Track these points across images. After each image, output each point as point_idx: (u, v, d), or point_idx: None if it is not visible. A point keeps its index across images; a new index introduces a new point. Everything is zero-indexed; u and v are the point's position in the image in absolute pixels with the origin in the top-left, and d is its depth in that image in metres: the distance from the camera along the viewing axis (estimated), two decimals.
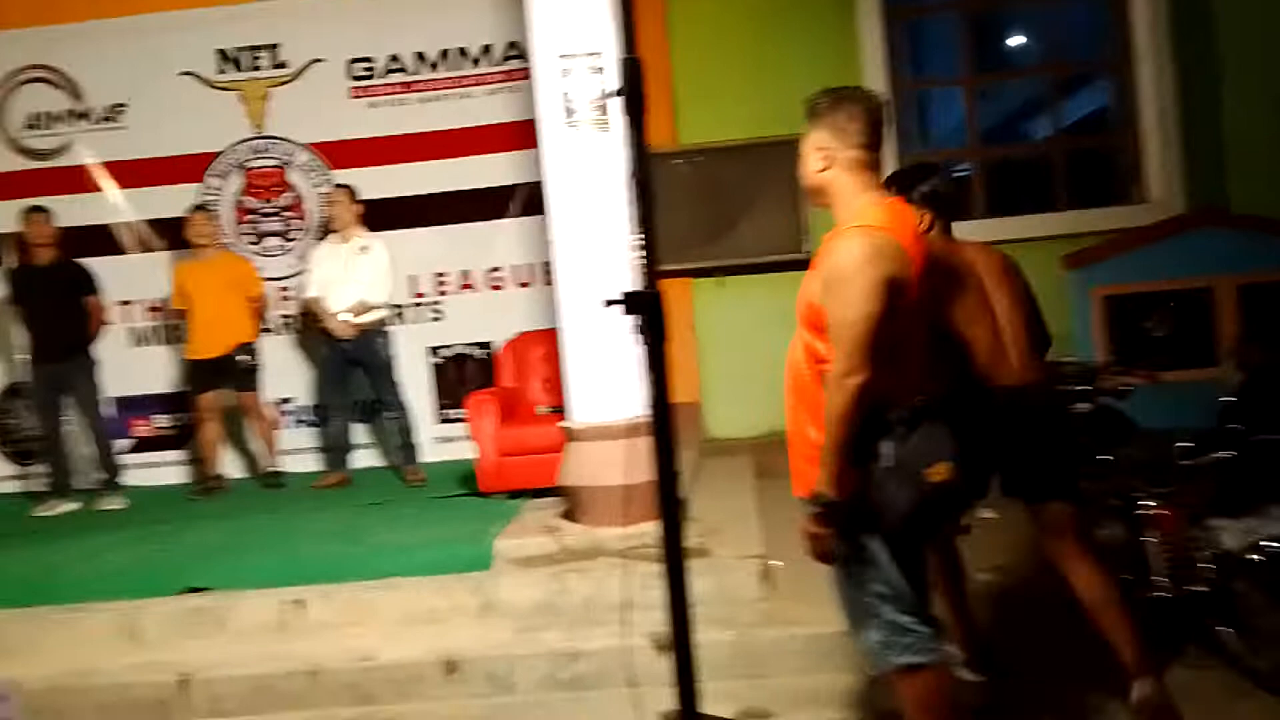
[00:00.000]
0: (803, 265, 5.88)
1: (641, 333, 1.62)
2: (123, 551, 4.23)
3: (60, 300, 5.48)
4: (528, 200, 6.14)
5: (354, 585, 3.68)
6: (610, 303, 1.70)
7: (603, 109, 3.82)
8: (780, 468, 5.80)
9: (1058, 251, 5.56)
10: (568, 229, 3.90)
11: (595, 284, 3.85)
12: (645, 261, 1.62)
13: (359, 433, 6.07)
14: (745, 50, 6.07)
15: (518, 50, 6.09)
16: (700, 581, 3.52)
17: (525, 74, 6.06)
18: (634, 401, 3.90)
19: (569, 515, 4.06)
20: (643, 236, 1.61)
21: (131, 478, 5.93)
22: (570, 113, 3.82)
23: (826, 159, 2.12)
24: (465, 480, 5.21)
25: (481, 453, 4.68)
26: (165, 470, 6.31)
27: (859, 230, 2.04)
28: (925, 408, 2.09)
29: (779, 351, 6.15)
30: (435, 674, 3.26)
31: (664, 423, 1.62)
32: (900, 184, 2.65)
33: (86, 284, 5.57)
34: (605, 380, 3.88)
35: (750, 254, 6.04)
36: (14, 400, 6.37)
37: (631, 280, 2.01)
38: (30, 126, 6.34)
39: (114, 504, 5.54)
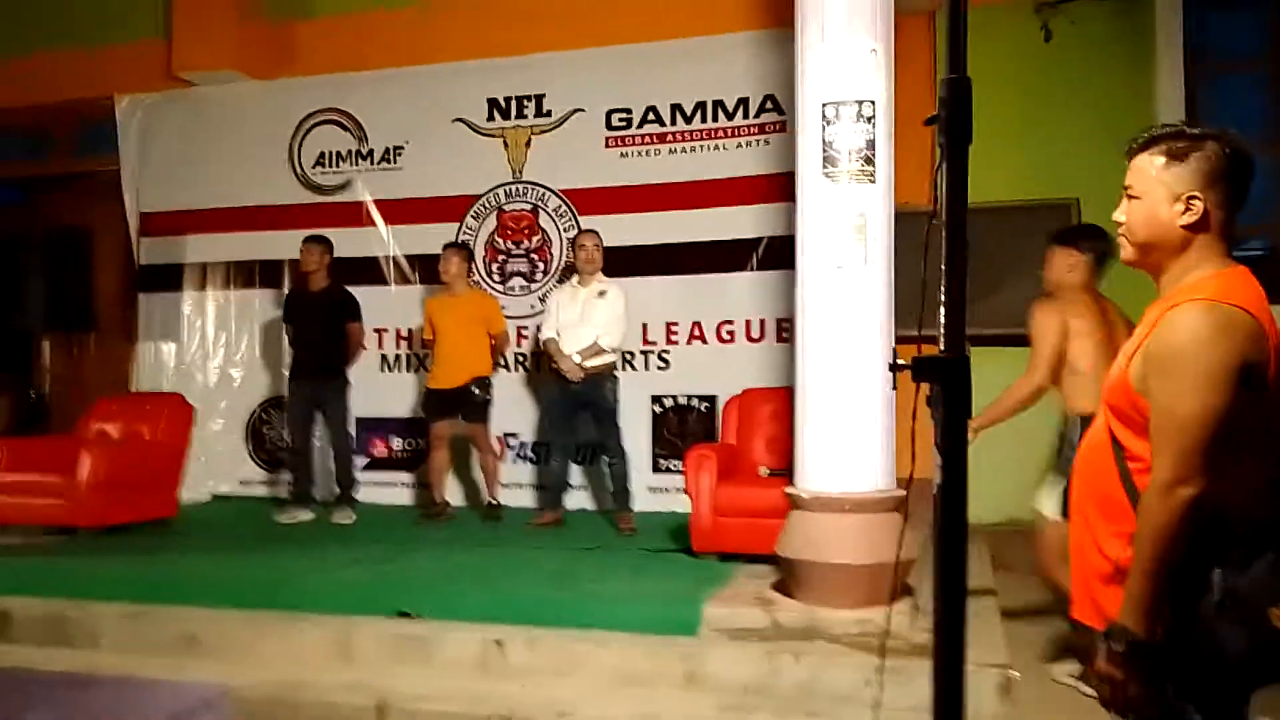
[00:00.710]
0: None
1: (937, 403, 1.31)
2: (348, 567, 4.35)
3: (324, 323, 5.86)
4: (766, 254, 5.99)
5: (558, 632, 3.55)
6: (897, 367, 1.40)
7: (867, 159, 3.58)
8: (1018, 561, 5.24)
9: None
10: (818, 284, 3.66)
11: (842, 344, 3.59)
12: (950, 320, 1.31)
13: (576, 474, 6.06)
14: (1012, 107, 5.64)
15: (773, 104, 5.99)
16: (928, 687, 3.13)
17: (777, 127, 6.00)
18: (872, 474, 3.61)
19: (784, 588, 3.77)
20: (950, 290, 1.30)
21: (363, 495, 6.20)
22: (831, 162, 3.61)
23: (1194, 210, 1.70)
24: (676, 535, 5.02)
25: (696, 510, 4.48)
26: (395, 490, 6.57)
27: (1204, 303, 1.62)
28: (1273, 527, 1.65)
29: (1021, 432, 5.56)
30: None
31: (957, 511, 1.31)
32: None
33: (351, 310, 5.94)
34: (842, 448, 3.58)
35: (1004, 324, 5.52)
36: (273, 412, 6.89)
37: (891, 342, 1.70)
38: (318, 164, 6.91)
39: (345, 518, 5.79)
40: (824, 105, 3.65)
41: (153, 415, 5.82)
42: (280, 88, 6.93)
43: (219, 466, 6.83)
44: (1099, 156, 5.25)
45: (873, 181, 3.61)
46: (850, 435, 3.56)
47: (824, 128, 3.64)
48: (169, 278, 7.08)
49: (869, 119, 3.61)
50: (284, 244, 6.84)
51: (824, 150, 3.64)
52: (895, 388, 1.50)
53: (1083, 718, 2.90)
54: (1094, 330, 3.56)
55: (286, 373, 6.73)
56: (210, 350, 7.05)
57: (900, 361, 1.45)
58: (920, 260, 1.39)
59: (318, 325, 5.86)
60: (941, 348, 1.32)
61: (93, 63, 7.05)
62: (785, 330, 5.92)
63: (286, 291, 6.39)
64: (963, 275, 1.33)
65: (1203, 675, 1.63)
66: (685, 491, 4.60)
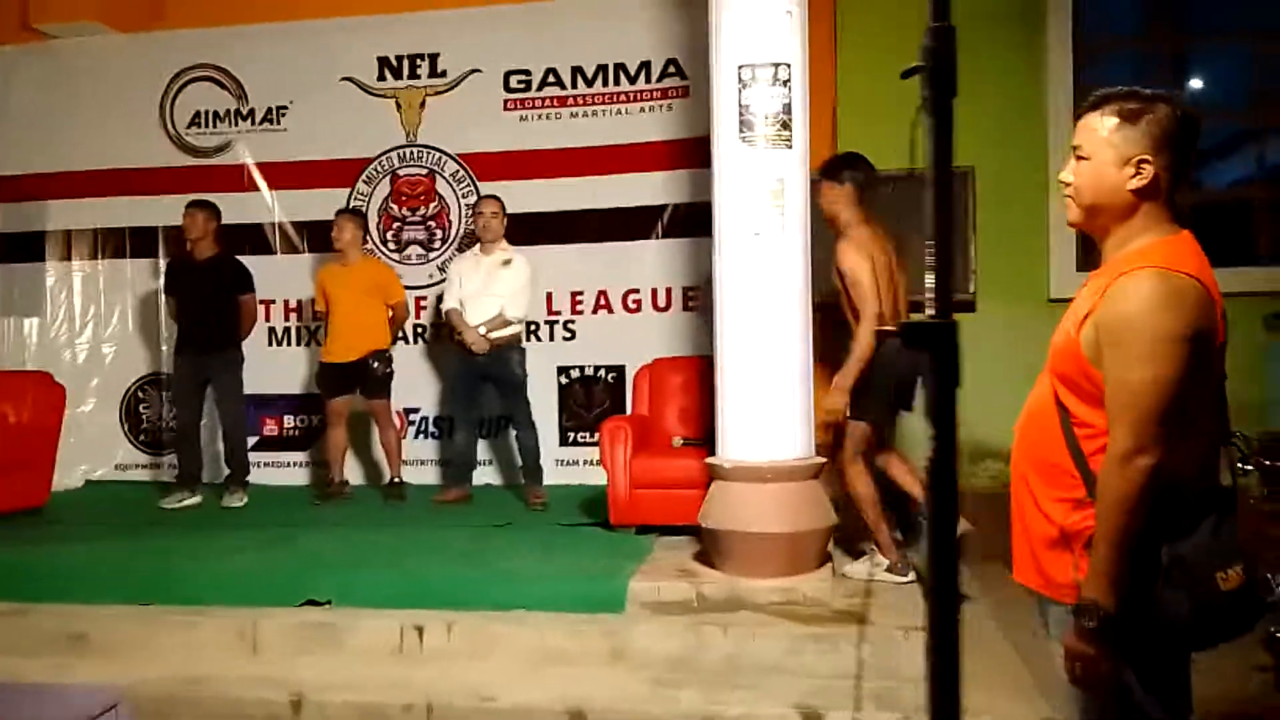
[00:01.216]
0: (967, 306, 5.53)
1: (926, 370, 1.25)
2: (245, 555, 4.12)
3: (214, 295, 5.49)
4: (671, 221, 5.94)
5: (476, 614, 3.44)
6: (886, 334, 1.33)
7: (784, 124, 3.53)
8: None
9: (1258, 311, 4.97)
10: (735, 251, 3.61)
11: (761, 311, 3.56)
12: (940, 286, 1.25)
13: (482, 449, 5.91)
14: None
15: (675, 68, 5.91)
16: (855, 653, 3.17)
17: (680, 92, 5.92)
18: (792, 442, 3.61)
19: (706, 559, 3.75)
20: (938, 253, 1.24)
21: (253, 476, 5.89)
22: (747, 126, 3.55)
23: (1145, 173, 1.67)
24: (588, 508, 4.97)
25: (613, 483, 4.41)
26: (287, 471, 6.29)
27: (1155, 271, 1.61)
28: (1216, 493, 1.67)
29: (1001, 389, 5.66)
30: None
31: (947, 479, 1.25)
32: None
33: (242, 281, 5.59)
34: (762, 417, 3.56)
35: (910, 293, 5.63)
36: (150, 390, 6.47)
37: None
38: (194, 124, 6.46)
39: (236, 501, 5.49)
40: (739, 68, 3.58)
41: (17, 395, 5.36)
42: (149, 41, 6.43)
43: (92, 450, 6.38)
44: (993, 125, 5.41)
45: (790, 146, 3.58)
46: (770, 404, 3.54)
47: (740, 91, 3.58)
48: (29, 247, 6.53)
49: (785, 82, 3.57)
50: (157, 209, 6.40)
51: (740, 114, 3.58)
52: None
53: (1023, 684, 2.97)
54: (880, 259, 3.76)
55: (167, 348, 6.34)
56: (78, 325, 6.56)
57: (888, 328, 1.39)
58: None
59: (206, 296, 5.48)
60: (931, 312, 1.26)
61: None
62: (692, 299, 5.90)
63: (166, 261, 5.95)
64: (949, 237, 1.26)
65: (1146, 641, 1.64)
66: (600, 464, 4.53)
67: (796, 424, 3.57)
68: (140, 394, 6.50)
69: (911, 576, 3.71)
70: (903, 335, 1.28)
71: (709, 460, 3.73)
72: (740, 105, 3.57)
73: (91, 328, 6.53)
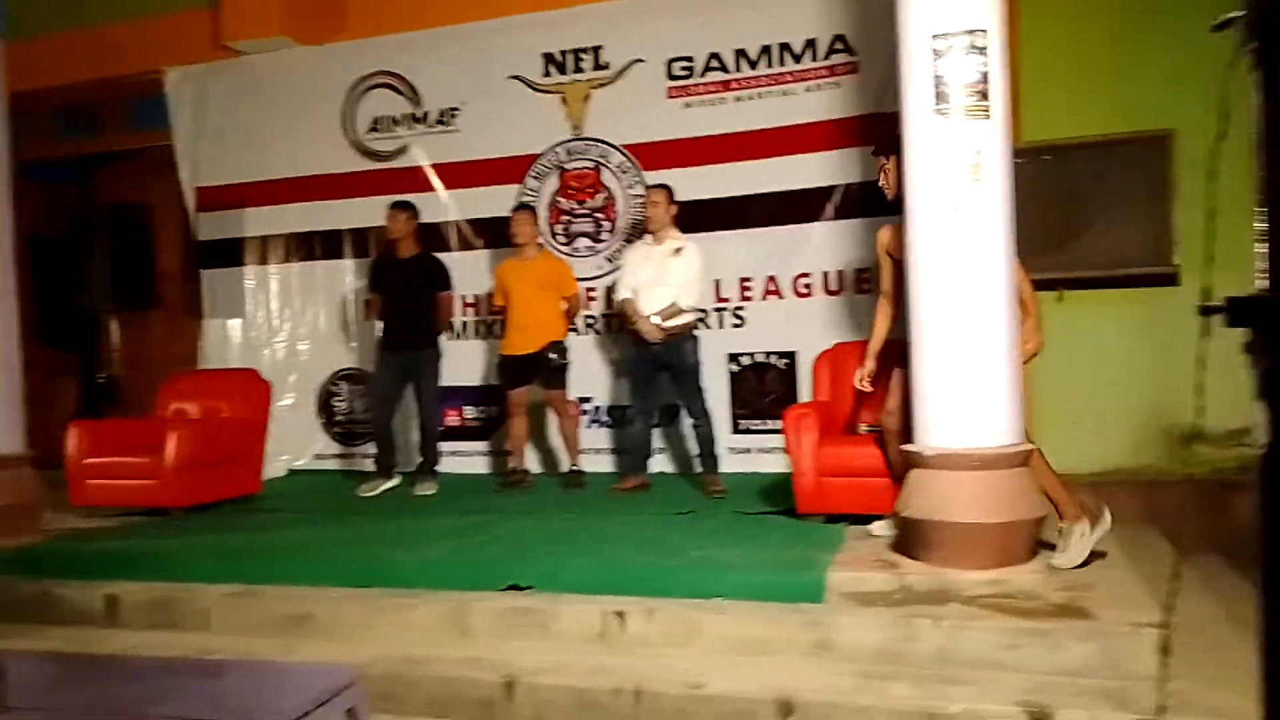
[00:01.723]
0: (1169, 280, 5.16)
1: (1255, 350, 1.14)
2: (448, 542, 4.27)
3: (415, 292, 5.71)
4: (843, 203, 5.79)
5: (676, 602, 3.44)
6: (1208, 310, 1.21)
7: (982, 94, 3.37)
8: (1129, 512, 5.07)
9: None
10: (931, 229, 3.47)
11: (961, 291, 3.42)
12: (1275, 255, 1.13)
13: (657, 437, 5.94)
14: (1105, 33, 5.36)
15: (842, 44, 5.75)
16: (1080, 648, 3.00)
17: (849, 69, 5.76)
18: (998, 428, 3.46)
19: (906, 550, 3.64)
20: (1273, 220, 1.12)
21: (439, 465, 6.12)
22: (942, 98, 3.41)
23: None
24: (769, 496, 4.92)
25: (799, 471, 4.34)
26: (470, 460, 6.52)
27: None
28: None
29: (1123, 377, 5.32)
30: (769, 713, 2.93)
31: (1277, 466, 1.15)
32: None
33: (441, 278, 5.80)
34: (966, 402, 3.42)
35: (1104, 266, 5.32)
36: (342, 384, 6.83)
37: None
38: (373, 129, 6.75)
39: (427, 489, 5.73)
40: (933, 37, 3.44)
41: (228, 392, 5.78)
42: (330, 52, 6.77)
43: (292, 441, 6.79)
44: (1196, 86, 5.00)
45: (988, 117, 3.41)
46: (974, 388, 3.40)
47: (934, 61, 3.43)
48: (229, 252, 7.01)
49: (981, 49, 3.40)
50: (342, 213, 6.76)
51: (935, 86, 3.43)
52: (1208, 335, 1.31)
53: (1240, 671, 2.75)
54: None
55: (356, 344, 6.67)
56: (276, 324, 6.99)
57: (1212, 304, 1.28)
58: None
59: (409, 293, 5.72)
60: (1267, 285, 1.15)
61: (141, 36, 6.93)
62: (865, 282, 5.74)
63: (374, 260, 6.23)
64: None
65: None
66: (782, 451, 4.47)
67: (1003, 408, 3.41)
68: (333, 388, 6.87)
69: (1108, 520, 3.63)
70: (1227, 311, 1.17)
71: (907, 448, 3.62)
72: (935, 76, 3.42)
73: (288, 327, 6.94)
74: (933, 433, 3.50)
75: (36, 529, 4.84)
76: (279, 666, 2.89)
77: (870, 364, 4.20)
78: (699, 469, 5.50)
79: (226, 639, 3.68)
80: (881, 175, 4.01)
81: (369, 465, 6.13)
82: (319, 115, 6.78)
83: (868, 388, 4.26)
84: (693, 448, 5.64)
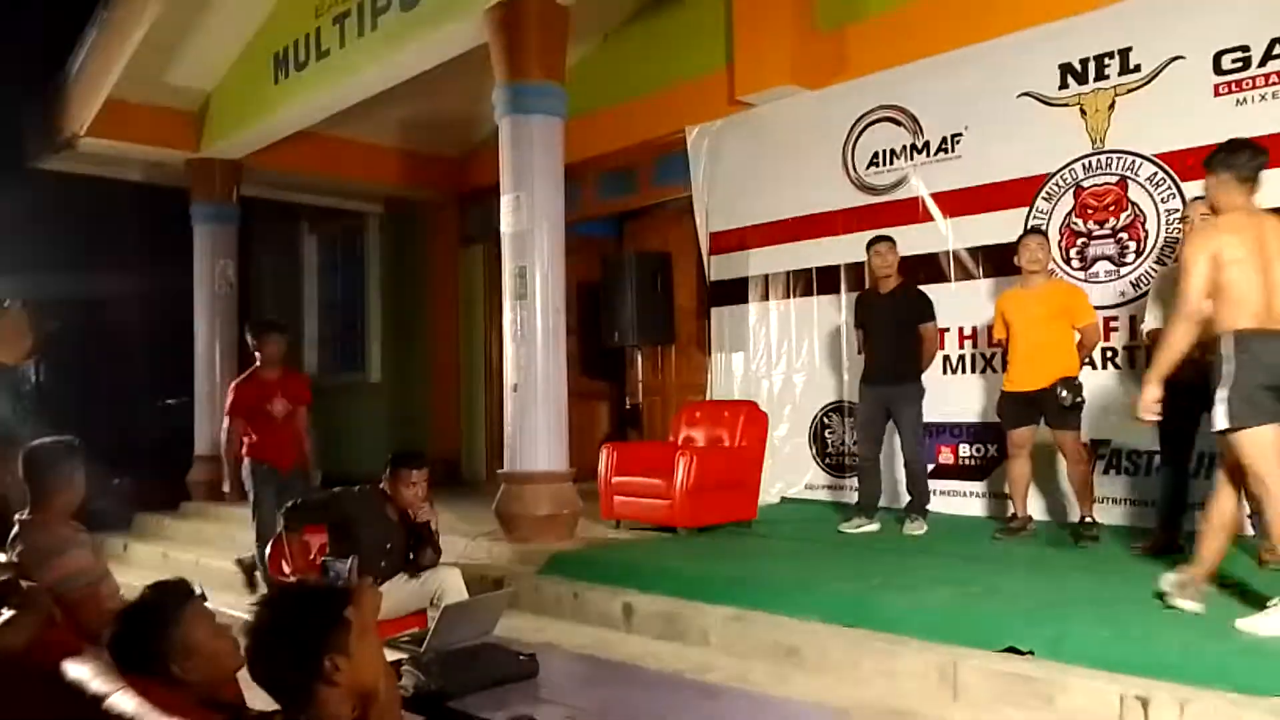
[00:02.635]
0: None
1: None
2: (939, 589, 4.05)
3: (898, 327, 5.64)
4: None
5: (1216, 694, 2.86)
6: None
7: None
8: None
9: None
10: None
11: None
12: None
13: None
14: None
15: None
16: None
17: None
18: None
19: None
20: None
21: (931, 504, 5.86)
22: None
23: None
24: None
25: None
26: (963, 500, 6.17)
27: None
28: None
29: None
30: None
31: None
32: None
33: (925, 311, 5.66)
34: None
35: None
36: (834, 416, 6.89)
37: None
38: (872, 164, 6.76)
39: (916, 529, 5.52)
40: None
41: (731, 422, 6.14)
42: (832, 94, 6.92)
43: (786, 470, 7.03)
44: None
45: None
46: None
47: None
48: (736, 291, 7.48)
49: None
50: (839, 249, 6.85)
51: None
52: None
53: None
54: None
55: (849, 377, 6.70)
56: (774, 357, 7.30)
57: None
58: None
59: (889, 329, 5.66)
60: None
61: (668, 102, 7.75)
62: None
63: (859, 294, 6.29)
64: None
65: None
66: None
67: None
68: (825, 420, 6.98)
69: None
70: None
71: None
72: None
73: (785, 360, 7.22)
74: None
75: (573, 536, 5.57)
76: (772, 700, 2.94)
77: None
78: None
79: (723, 658, 3.86)
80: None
81: (855, 497, 6.10)
82: (820, 156, 6.96)
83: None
84: (1244, 506, 4.71)
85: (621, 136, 8.01)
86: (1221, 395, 3.45)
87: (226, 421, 5.68)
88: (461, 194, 9.86)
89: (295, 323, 10.95)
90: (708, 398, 7.43)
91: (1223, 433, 3.48)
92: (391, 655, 2.88)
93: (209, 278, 8.86)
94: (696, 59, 7.57)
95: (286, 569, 3.80)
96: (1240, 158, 3.59)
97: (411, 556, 4.00)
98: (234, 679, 1.96)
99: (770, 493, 6.89)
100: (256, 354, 5.66)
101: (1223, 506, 3.60)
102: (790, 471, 7.06)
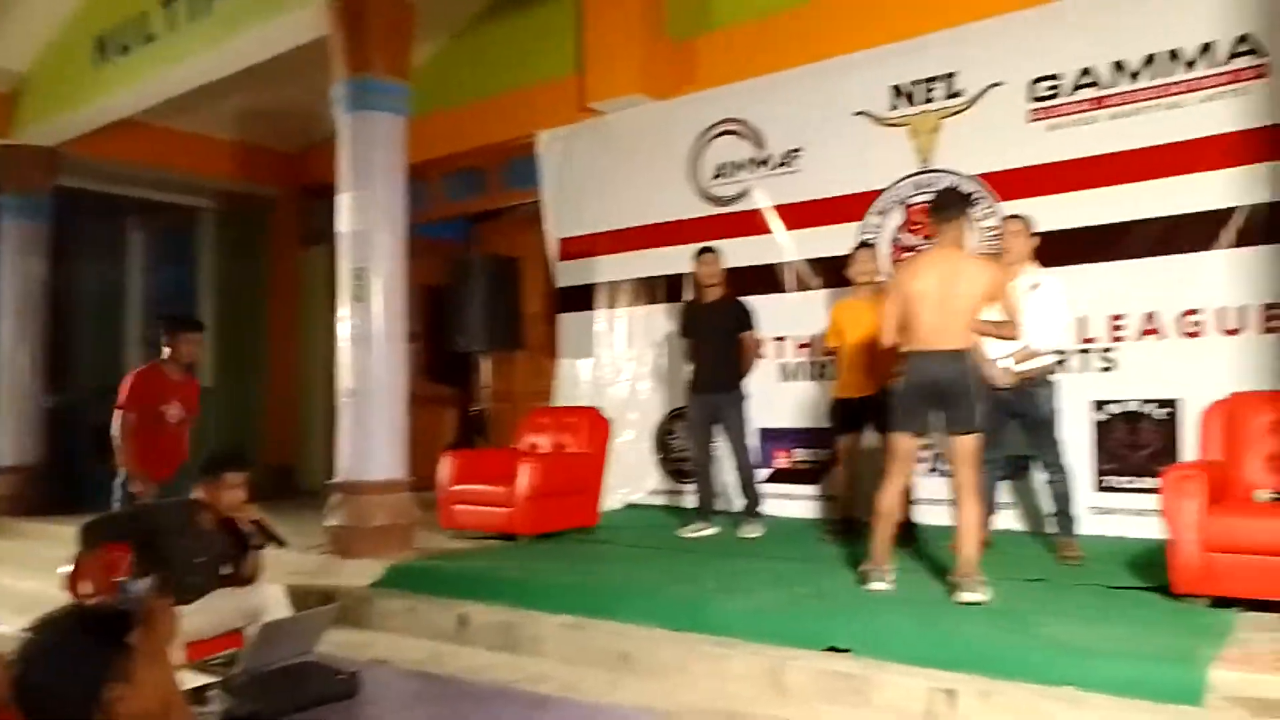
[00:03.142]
0: None
1: None
2: (770, 591, 4.16)
3: (720, 335, 5.76)
4: (1246, 227, 4.93)
5: (1016, 685, 3.03)
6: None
7: None
8: None
9: None
10: None
11: None
12: None
13: (1003, 491, 5.39)
14: None
15: (1249, 44, 4.93)
16: None
17: (1256, 73, 4.91)
18: None
19: None
20: None
21: (767, 507, 6.02)
22: None
23: None
24: (1136, 568, 4.26)
25: (1178, 542, 3.69)
26: (797, 504, 6.37)
27: None
28: None
29: None
30: None
31: None
32: None
33: (745, 320, 5.80)
34: None
35: None
36: (677, 423, 6.99)
37: None
38: (717, 176, 6.91)
39: (752, 532, 5.66)
40: None
41: (575, 428, 6.14)
42: (680, 105, 7.04)
43: (630, 476, 7.07)
44: None
45: None
46: None
47: None
48: (583, 297, 7.50)
49: None
50: (683, 259, 6.92)
51: None
52: None
53: None
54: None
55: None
56: (620, 364, 7.35)
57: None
58: None
59: (712, 337, 5.78)
60: None
61: (518, 104, 7.69)
62: (1275, 319, 4.83)
63: (684, 304, 6.39)
64: None
65: None
66: (1162, 517, 3.83)
67: None
68: (669, 426, 7.07)
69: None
70: None
71: None
72: None
73: (631, 367, 7.28)
74: None
75: (410, 547, 5.42)
76: (601, 707, 2.94)
77: None
78: (1052, 529, 4.90)
79: (558, 667, 3.83)
80: None
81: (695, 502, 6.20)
82: (667, 166, 7.07)
83: None
84: (1046, 505, 5.05)
85: (471, 137, 7.90)
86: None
87: (119, 416, 4.94)
88: (303, 192, 9.49)
89: (117, 322, 10.25)
90: (554, 404, 7.41)
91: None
92: (201, 679, 2.73)
93: (17, 275, 8.19)
94: (548, 63, 7.54)
95: (86, 590, 3.52)
96: (939, 207, 4.26)
97: (232, 570, 3.79)
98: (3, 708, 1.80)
99: (614, 498, 6.92)
100: (166, 351, 5.04)
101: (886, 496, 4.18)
102: (634, 477, 7.11)
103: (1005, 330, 4.17)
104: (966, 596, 3.82)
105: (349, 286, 5.60)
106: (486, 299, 7.35)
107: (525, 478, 5.49)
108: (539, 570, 4.79)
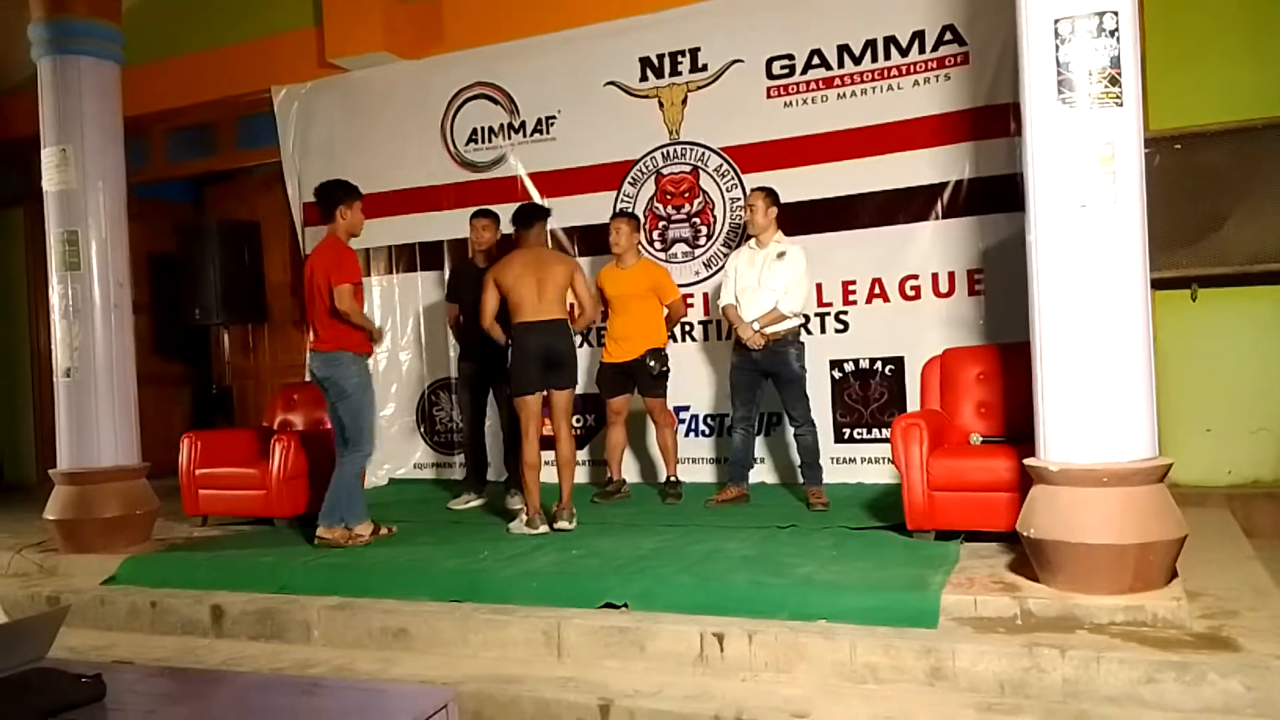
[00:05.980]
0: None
1: None
2: (543, 555, 4.21)
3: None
4: (952, 200, 5.53)
5: (776, 624, 3.27)
6: None
7: (1113, 80, 3.11)
8: (1271, 528, 4.66)
9: None
10: (1056, 226, 3.21)
11: (1090, 293, 3.16)
12: None
13: (759, 446, 5.76)
14: (1243, 11, 4.98)
15: (953, 35, 5.49)
16: (1226, 684, 2.71)
17: (960, 60, 5.48)
18: (1133, 441, 3.17)
19: (1027, 571, 3.39)
20: None
21: None
22: (1066, 86, 3.15)
23: None
24: (874, 509, 4.71)
25: (908, 485, 4.11)
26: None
27: None
28: None
29: (1263, 381, 4.94)
30: None
31: None
32: None
33: None
34: (1095, 413, 3.15)
35: (1241, 262, 4.93)
36: (441, 394, 6.86)
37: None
38: (471, 140, 6.78)
39: (518, 503, 5.66)
40: (1056, 21, 3.18)
41: (313, 404, 5.83)
42: (429, 66, 6.84)
43: (393, 450, 6.88)
44: None
45: (1120, 104, 3.14)
46: (1105, 398, 3.12)
47: (1057, 47, 3.18)
48: None
49: (1112, 32, 3.13)
50: (442, 224, 6.79)
51: (1058, 73, 3.18)
52: None
53: None
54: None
55: (454, 353, 6.68)
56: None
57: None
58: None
59: (479, 302, 5.68)
60: None
61: (250, 57, 7.13)
62: (978, 283, 5.47)
63: (449, 270, 6.25)
64: None
65: None
66: (893, 462, 4.25)
67: (1140, 420, 3.13)
68: (433, 397, 6.92)
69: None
70: None
71: (1029, 462, 3.35)
72: (1058, 63, 3.17)
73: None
74: (1056, 447, 3.23)
75: (149, 538, 4.98)
76: (376, 687, 2.84)
77: None
78: (801, 480, 5.31)
79: (328, 651, 3.69)
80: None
81: (463, 474, 6.14)
82: (419, 128, 6.85)
83: None
84: (794, 458, 5.45)
85: (198, 90, 7.26)
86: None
87: None
88: None
89: None
90: (307, 379, 7.01)
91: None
92: None
93: None
94: (284, 14, 7.07)
95: None
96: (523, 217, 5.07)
97: None
98: None
99: (378, 475, 6.70)
100: None
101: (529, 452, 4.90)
102: (398, 452, 6.92)
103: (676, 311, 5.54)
104: (561, 525, 4.71)
105: (60, 253, 5.00)
106: (223, 268, 6.83)
107: (280, 457, 5.18)
108: (299, 553, 4.55)
